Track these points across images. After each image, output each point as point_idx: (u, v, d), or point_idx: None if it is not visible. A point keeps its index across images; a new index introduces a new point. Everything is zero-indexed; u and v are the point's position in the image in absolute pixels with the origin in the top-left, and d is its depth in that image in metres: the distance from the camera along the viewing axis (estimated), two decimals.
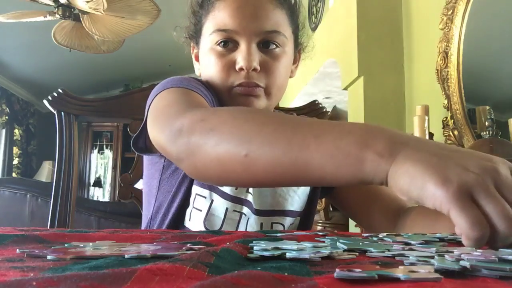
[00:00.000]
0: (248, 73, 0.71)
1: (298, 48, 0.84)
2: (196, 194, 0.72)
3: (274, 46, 0.73)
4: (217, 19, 0.72)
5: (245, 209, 0.74)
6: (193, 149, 0.50)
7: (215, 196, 0.72)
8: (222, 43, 0.72)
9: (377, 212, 0.77)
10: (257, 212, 0.74)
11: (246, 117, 0.48)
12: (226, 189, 0.73)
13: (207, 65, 0.75)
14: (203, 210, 0.72)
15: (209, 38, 0.73)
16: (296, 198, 0.79)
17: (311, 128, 0.44)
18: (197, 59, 0.82)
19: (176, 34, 0.84)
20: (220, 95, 0.74)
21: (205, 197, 0.72)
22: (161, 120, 0.60)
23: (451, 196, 0.34)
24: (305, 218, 0.81)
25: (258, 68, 0.71)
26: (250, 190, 0.74)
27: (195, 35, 0.79)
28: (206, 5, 0.75)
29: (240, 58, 0.71)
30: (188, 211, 0.73)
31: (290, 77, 0.82)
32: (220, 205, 0.72)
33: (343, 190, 0.83)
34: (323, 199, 1.79)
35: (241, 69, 0.71)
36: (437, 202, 0.35)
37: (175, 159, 0.55)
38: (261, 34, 0.72)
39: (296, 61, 0.84)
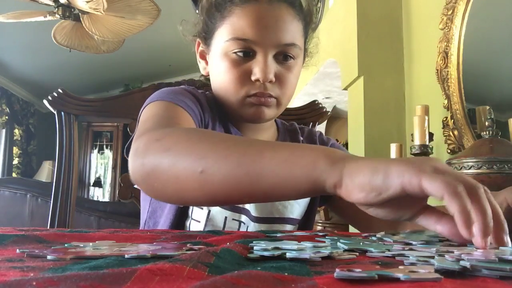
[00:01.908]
0: (264, 84, 0.70)
1: (305, 53, 0.83)
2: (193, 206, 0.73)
3: (289, 58, 0.73)
4: (236, 26, 0.71)
5: (243, 217, 0.74)
6: (148, 170, 0.50)
7: (212, 207, 0.72)
8: (239, 53, 0.71)
9: (377, 219, 0.77)
10: (257, 220, 0.75)
11: (200, 137, 0.49)
12: None
13: (219, 71, 0.74)
14: (202, 221, 0.73)
15: (224, 43, 0.72)
16: (296, 206, 0.79)
17: (265, 143, 0.46)
18: (202, 57, 0.81)
19: (181, 29, 0.82)
20: (229, 103, 0.74)
21: (201, 208, 0.73)
22: (134, 137, 0.60)
23: (417, 168, 0.35)
24: (304, 225, 0.82)
25: (274, 80, 0.71)
26: None
27: (206, 35, 0.77)
28: (223, 9, 0.73)
29: (257, 69, 0.70)
30: (187, 223, 0.74)
31: None
32: (218, 214, 0.73)
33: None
34: None
35: (257, 80, 0.70)
36: (405, 178, 0.35)
37: (133, 180, 0.54)
38: (279, 47, 0.71)
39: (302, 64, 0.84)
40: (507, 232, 0.37)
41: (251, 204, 0.75)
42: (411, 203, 0.40)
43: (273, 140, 0.82)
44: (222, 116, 0.79)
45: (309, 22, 0.79)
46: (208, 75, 0.80)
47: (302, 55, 0.78)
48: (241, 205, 0.74)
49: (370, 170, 0.38)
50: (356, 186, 0.38)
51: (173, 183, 0.48)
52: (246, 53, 0.71)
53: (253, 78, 0.70)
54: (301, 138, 0.87)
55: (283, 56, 0.72)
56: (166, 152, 0.49)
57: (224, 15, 0.72)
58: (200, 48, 0.81)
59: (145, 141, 0.52)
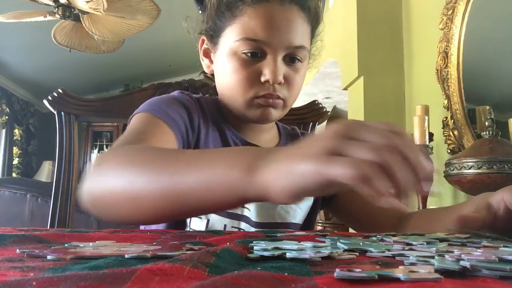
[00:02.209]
0: (273, 85, 0.70)
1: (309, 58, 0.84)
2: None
3: (297, 60, 0.73)
4: (247, 26, 0.70)
5: (243, 224, 0.74)
6: (88, 194, 0.52)
7: (211, 216, 0.72)
8: (250, 53, 0.70)
9: (379, 218, 0.77)
10: (258, 225, 0.74)
11: (133, 160, 0.51)
12: None
13: (227, 70, 0.73)
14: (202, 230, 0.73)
15: (234, 43, 0.71)
16: (298, 210, 0.79)
17: (195, 160, 0.47)
18: (206, 55, 0.80)
19: (186, 25, 0.81)
20: (235, 103, 0.74)
21: (200, 218, 0.73)
22: None
23: (320, 159, 0.35)
24: (305, 229, 0.81)
25: (283, 81, 0.71)
26: (247, 205, 0.74)
27: (214, 33, 0.76)
28: (234, 8, 0.72)
29: (267, 70, 0.69)
30: None
31: None
32: (218, 222, 0.73)
33: (343, 198, 0.83)
34: None
35: (266, 81, 0.70)
36: (317, 175, 0.35)
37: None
38: (290, 49, 0.71)
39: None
40: (422, 157, 0.35)
41: (252, 210, 0.74)
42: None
43: (266, 145, 0.81)
44: (219, 118, 0.78)
45: (316, 25, 0.79)
46: (212, 73, 0.80)
47: (308, 58, 0.78)
48: (239, 212, 0.74)
49: (287, 175, 0.38)
50: (281, 192, 0.38)
51: (111, 206, 0.51)
52: (255, 54, 0.70)
53: (262, 79, 0.70)
54: None
55: (291, 58, 0.72)
56: (101, 178, 0.51)
57: (235, 14, 0.71)
58: (205, 46, 0.80)
59: (92, 166, 0.54)
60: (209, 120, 0.77)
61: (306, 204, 0.80)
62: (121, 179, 0.49)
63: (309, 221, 0.82)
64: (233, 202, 0.43)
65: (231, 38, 0.72)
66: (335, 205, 0.85)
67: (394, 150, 0.34)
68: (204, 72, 0.83)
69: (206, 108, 0.78)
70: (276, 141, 0.85)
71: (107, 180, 0.51)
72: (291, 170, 0.37)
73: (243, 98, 0.72)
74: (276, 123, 0.88)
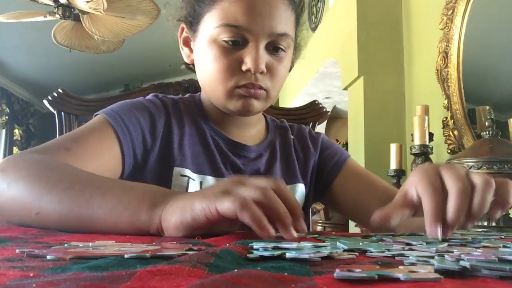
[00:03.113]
0: (255, 75, 0.67)
1: (295, 48, 0.81)
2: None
3: (280, 49, 0.70)
4: (227, 12, 0.66)
5: None
6: None
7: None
8: (230, 40, 0.67)
9: (373, 202, 0.75)
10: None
11: (40, 175, 0.51)
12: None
13: (206, 59, 0.70)
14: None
15: (213, 30, 0.68)
16: None
17: (99, 185, 0.50)
18: (186, 43, 0.77)
19: (165, 12, 0.79)
20: (215, 94, 0.71)
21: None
22: None
23: (211, 196, 0.41)
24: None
25: (265, 70, 0.68)
26: None
27: (193, 20, 0.73)
28: None
29: (248, 59, 0.66)
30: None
31: None
32: None
33: (338, 185, 0.82)
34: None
35: (248, 70, 0.67)
36: (206, 210, 0.41)
37: None
38: (272, 36, 0.67)
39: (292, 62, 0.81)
40: (302, 218, 0.42)
41: None
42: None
43: (252, 141, 0.80)
44: (199, 118, 0.77)
45: (300, 13, 0.77)
46: (193, 63, 0.77)
47: (293, 47, 0.75)
48: None
49: (180, 210, 0.43)
50: (173, 228, 0.43)
51: (15, 216, 0.51)
52: (236, 42, 0.67)
53: (243, 68, 0.67)
54: (292, 137, 0.85)
55: (275, 47, 0.69)
56: (6, 187, 0.51)
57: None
58: (184, 34, 0.76)
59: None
60: (185, 121, 0.75)
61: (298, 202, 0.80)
62: (24, 192, 0.50)
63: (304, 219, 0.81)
64: (130, 230, 0.46)
65: (211, 24, 0.68)
66: (328, 196, 0.84)
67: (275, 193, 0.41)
68: (185, 63, 0.80)
69: (183, 109, 0.77)
70: (262, 137, 0.82)
71: (9, 189, 0.51)
72: (184, 206, 0.42)
73: (224, 87, 0.69)
74: (264, 115, 0.86)
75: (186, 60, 0.78)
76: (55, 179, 0.51)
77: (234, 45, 0.67)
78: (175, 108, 0.76)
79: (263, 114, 0.86)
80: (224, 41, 0.67)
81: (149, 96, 0.77)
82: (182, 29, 0.77)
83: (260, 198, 0.40)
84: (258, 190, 0.40)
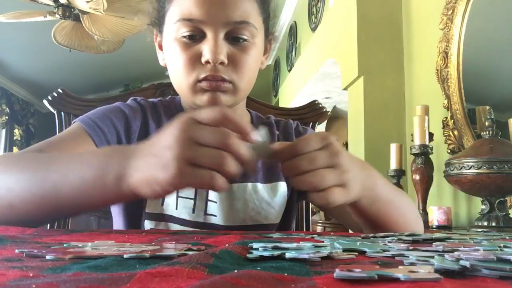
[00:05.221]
0: (215, 66, 0.66)
1: (269, 37, 0.78)
2: (151, 228, 0.70)
3: (243, 39, 0.68)
4: (182, 6, 0.66)
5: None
6: None
7: (172, 225, 0.70)
8: (188, 35, 0.66)
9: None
10: (228, 228, 0.72)
11: (5, 169, 0.54)
12: (183, 215, 0.71)
13: (171, 57, 0.69)
14: None
15: (173, 27, 0.67)
16: (271, 210, 0.75)
17: (60, 156, 0.54)
18: (161, 47, 0.76)
19: (137, 20, 0.80)
20: (182, 91, 0.71)
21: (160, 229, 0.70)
22: None
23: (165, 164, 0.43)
24: (282, 228, 0.78)
25: (226, 61, 0.66)
26: (212, 211, 0.72)
27: (158, 22, 0.73)
28: None
29: (206, 50, 0.65)
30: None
31: (260, 68, 0.76)
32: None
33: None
34: None
35: (207, 62, 0.65)
36: (172, 184, 0.43)
37: None
38: (230, 25, 0.66)
39: (266, 51, 0.78)
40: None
41: (218, 215, 0.72)
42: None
43: None
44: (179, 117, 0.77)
45: (267, 0, 0.74)
46: (166, 66, 0.76)
47: (262, 36, 0.73)
48: (201, 220, 0.71)
49: (150, 184, 0.45)
50: (147, 195, 0.46)
51: None
52: (193, 36, 0.66)
53: (203, 60, 0.66)
54: (277, 132, 0.82)
55: (235, 37, 0.67)
56: None
57: None
58: (158, 38, 0.76)
59: None
60: (164, 123, 0.74)
61: (279, 202, 0.77)
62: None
63: (286, 220, 0.79)
64: (103, 191, 0.48)
65: (170, 22, 0.68)
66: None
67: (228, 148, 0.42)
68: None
69: (162, 111, 0.77)
70: None
71: None
72: (151, 180, 0.44)
73: (187, 83, 0.68)
74: (250, 112, 0.84)
75: (161, 63, 0.77)
76: (24, 167, 0.54)
77: (192, 39, 0.67)
78: (154, 111, 0.77)
79: (248, 110, 0.84)
80: (183, 36, 0.67)
81: (128, 101, 0.77)
82: (156, 34, 0.77)
83: (199, 154, 0.42)
84: (216, 157, 0.42)
